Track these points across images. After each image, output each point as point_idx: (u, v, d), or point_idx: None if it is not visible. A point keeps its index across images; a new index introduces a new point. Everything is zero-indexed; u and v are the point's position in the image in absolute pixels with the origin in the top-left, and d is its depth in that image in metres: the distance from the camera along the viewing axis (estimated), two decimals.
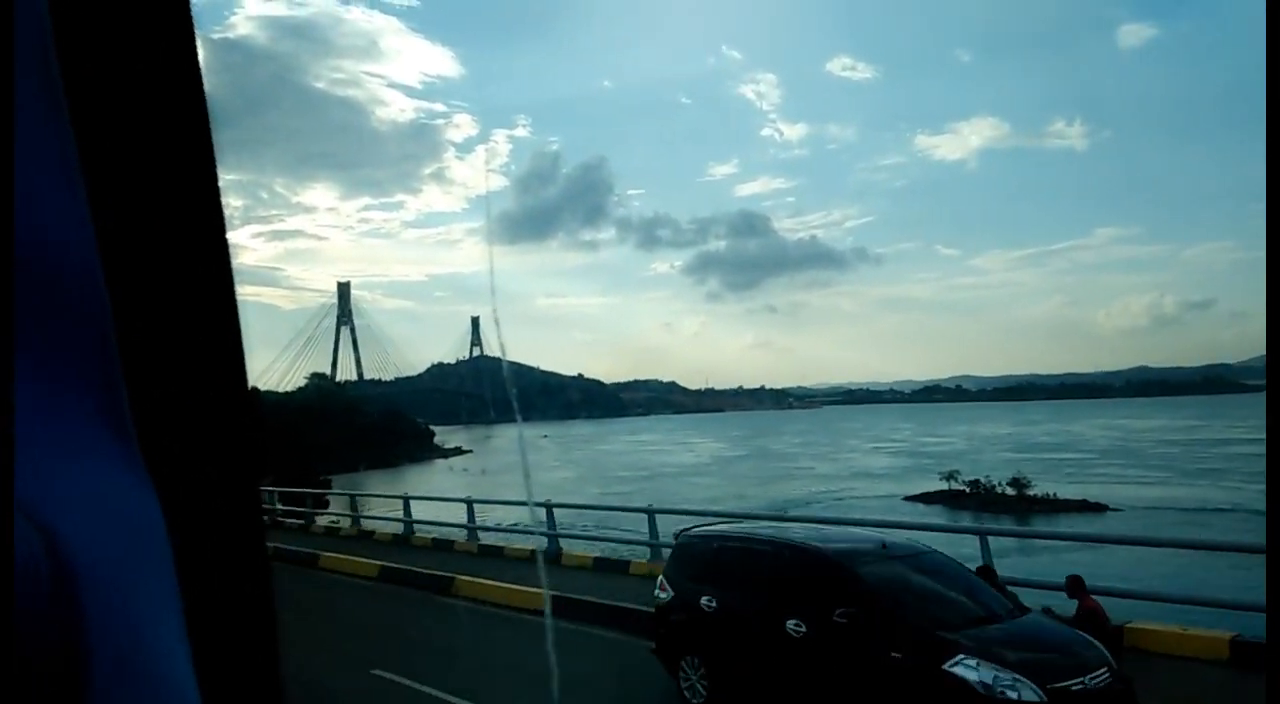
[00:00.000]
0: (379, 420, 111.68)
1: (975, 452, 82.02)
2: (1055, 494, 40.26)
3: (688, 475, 71.38)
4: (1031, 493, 40.52)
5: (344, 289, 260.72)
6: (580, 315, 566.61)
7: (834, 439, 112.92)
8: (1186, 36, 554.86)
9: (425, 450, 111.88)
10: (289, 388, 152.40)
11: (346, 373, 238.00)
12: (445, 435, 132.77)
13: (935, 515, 41.93)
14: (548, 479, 72.65)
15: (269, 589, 0.49)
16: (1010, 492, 40.99)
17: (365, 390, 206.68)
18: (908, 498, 46.02)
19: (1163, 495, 41.18)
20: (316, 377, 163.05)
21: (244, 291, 0.46)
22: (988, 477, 42.70)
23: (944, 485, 44.88)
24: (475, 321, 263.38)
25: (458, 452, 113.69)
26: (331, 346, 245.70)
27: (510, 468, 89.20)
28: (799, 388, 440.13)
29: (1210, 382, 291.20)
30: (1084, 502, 39.91)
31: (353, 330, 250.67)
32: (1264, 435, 1.15)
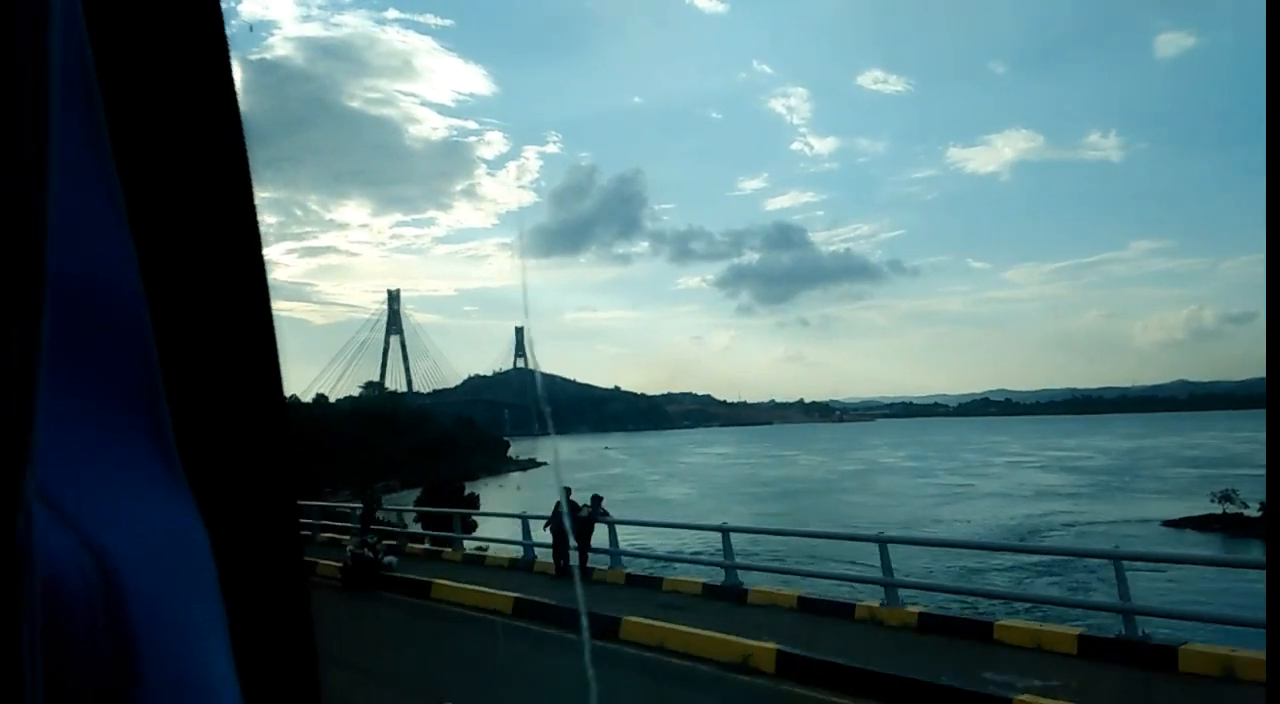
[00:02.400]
0: (451, 430, 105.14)
1: (1134, 467, 73.94)
2: None
3: (825, 492, 63.84)
4: None
5: (394, 297, 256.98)
6: (609, 329, 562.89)
7: (942, 453, 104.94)
8: (1226, 45, 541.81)
9: (500, 462, 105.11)
10: (340, 397, 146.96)
11: (395, 383, 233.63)
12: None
13: (1216, 546, 34.36)
14: (663, 496, 65.26)
15: (307, 608, 0.49)
16: None
17: (411, 401, 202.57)
18: (1168, 523, 38.25)
19: None
20: (371, 386, 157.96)
21: (277, 307, 0.48)
22: None
23: (1216, 508, 37.11)
24: (520, 332, 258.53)
25: (533, 464, 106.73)
26: (376, 358, 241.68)
27: (602, 483, 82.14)
28: (832, 401, 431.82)
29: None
30: None
31: (403, 340, 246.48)
32: None
